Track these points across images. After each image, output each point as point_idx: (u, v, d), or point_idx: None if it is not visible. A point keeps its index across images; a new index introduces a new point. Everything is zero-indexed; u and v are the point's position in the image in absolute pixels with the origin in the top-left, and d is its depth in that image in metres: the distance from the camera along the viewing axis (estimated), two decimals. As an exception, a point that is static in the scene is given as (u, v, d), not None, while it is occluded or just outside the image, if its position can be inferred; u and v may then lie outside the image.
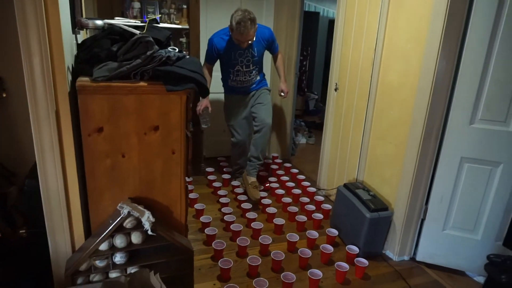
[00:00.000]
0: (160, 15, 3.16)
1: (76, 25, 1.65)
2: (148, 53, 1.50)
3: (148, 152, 1.64)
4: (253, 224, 2.49)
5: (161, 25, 3.07)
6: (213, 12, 3.51)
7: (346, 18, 2.80)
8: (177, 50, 1.75)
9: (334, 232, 2.48)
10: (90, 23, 1.71)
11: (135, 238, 1.68)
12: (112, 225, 1.59)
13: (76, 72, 1.58)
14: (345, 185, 2.58)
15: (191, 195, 2.86)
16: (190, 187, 3.03)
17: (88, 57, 1.55)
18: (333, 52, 2.97)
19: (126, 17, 2.99)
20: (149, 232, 1.62)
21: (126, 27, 1.59)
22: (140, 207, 1.65)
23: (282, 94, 3.01)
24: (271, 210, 2.72)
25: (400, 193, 2.31)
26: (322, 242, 2.40)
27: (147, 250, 1.75)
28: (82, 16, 1.93)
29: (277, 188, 3.13)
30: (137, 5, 3.05)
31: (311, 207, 2.80)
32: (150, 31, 1.61)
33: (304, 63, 5.38)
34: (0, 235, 1.85)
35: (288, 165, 3.72)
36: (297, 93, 4.13)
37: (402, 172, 2.29)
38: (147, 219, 1.63)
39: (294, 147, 4.45)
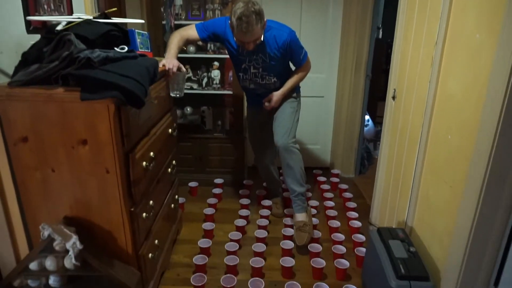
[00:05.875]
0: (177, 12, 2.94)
1: (31, 25, 1.53)
2: (65, 54, 1.26)
3: (79, 168, 1.42)
4: (252, 261, 2.03)
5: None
6: (265, 4, 3.12)
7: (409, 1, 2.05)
8: (126, 49, 1.47)
9: (355, 291, 1.85)
10: (46, 20, 1.57)
11: (68, 263, 1.48)
12: (39, 246, 1.43)
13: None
14: (378, 230, 1.89)
15: (207, 210, 2.56)
16: (213, 200, 2.73)
17: (21, 60, 1.41)
18: (393, 48, 2.24)
19: (167, 15, 2.85)
20: (73, 261, 1.41)
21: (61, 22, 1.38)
22: (67, 230, 1.44)
23: (266, 104, 2.30)
24: (286, 245, 2.21)
25: (451, 259, 1.54)
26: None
27: (90, 278, 1.55)
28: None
29: (314, 214, 2.56)
30: (178, 1, 2.88)
31: (341, 248, 2.17)
32: (81, 26, 1.37)
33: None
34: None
35: (344, 186, 3.07)
36: (369, 98, 3.38)
37: (454, 228, 1.52)
38: (72, 245, 1.42)
39: (367, 163, 3.70)
